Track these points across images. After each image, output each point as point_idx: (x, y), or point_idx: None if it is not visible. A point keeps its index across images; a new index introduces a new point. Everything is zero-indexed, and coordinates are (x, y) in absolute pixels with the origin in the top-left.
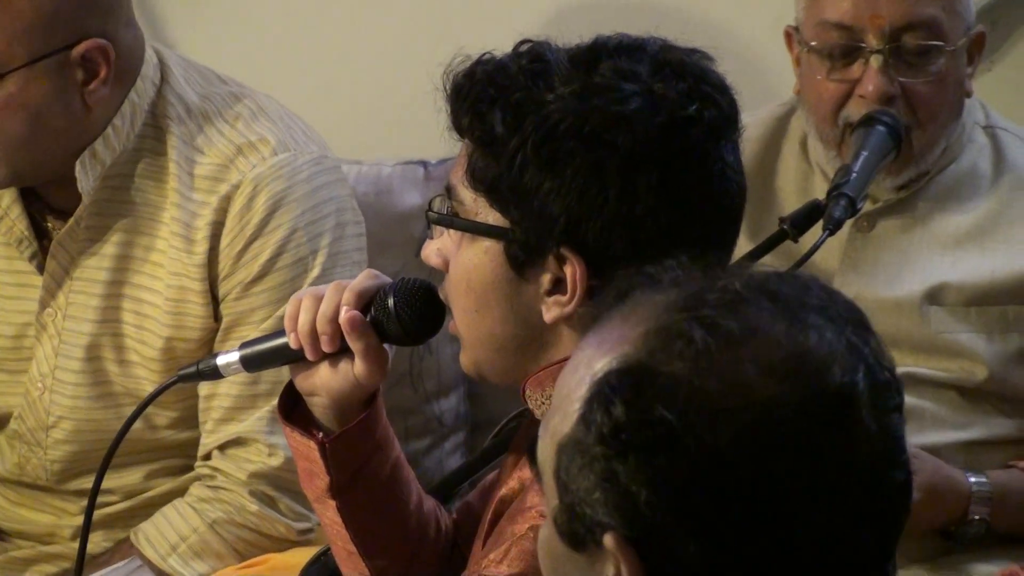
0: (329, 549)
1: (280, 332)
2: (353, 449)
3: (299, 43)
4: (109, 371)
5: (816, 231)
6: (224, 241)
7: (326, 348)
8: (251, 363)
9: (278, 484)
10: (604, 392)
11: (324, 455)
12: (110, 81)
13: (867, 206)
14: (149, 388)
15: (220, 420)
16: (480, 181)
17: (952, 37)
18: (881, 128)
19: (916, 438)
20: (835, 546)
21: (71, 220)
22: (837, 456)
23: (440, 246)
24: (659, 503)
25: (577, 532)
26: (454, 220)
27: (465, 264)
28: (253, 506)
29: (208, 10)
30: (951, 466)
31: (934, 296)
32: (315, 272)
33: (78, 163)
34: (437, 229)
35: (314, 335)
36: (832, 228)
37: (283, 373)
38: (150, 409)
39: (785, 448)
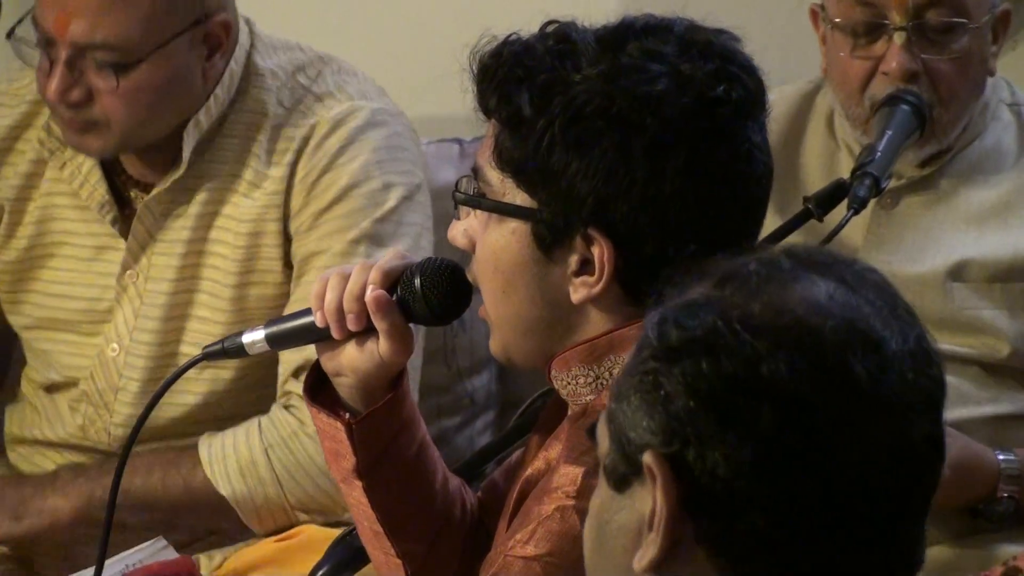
0: (355, 529)
1: (307, 311)
2: (379, 430)
3: (336, 19)
4: (183, 330)
5: (841, 209)
6: (299, 175)
7: (352, 327)
8: (276, 341)
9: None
10: (660, 319)
11: (350, 436)
12: (232, 46)
13: (891, 183)
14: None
15: (284, 381)
16: (507, 162)
17: (976, 14)
18: (905, 107)
19: (945, 413)
20: (867, 474)
21: (164, 184)
22: (870, 389)
23: (467, 227)
24: (698, 409)
25: (621, 470)
26: (481, 201)
27: (492, 245)
28: (301, 453)
29: None
30: (979, 444)
31: (957, 272)
32: (389, 205)
33: (185, 133)
34: (464, 210)
35: (340, 313)
36: (857, 207)
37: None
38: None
39: (821, 369)
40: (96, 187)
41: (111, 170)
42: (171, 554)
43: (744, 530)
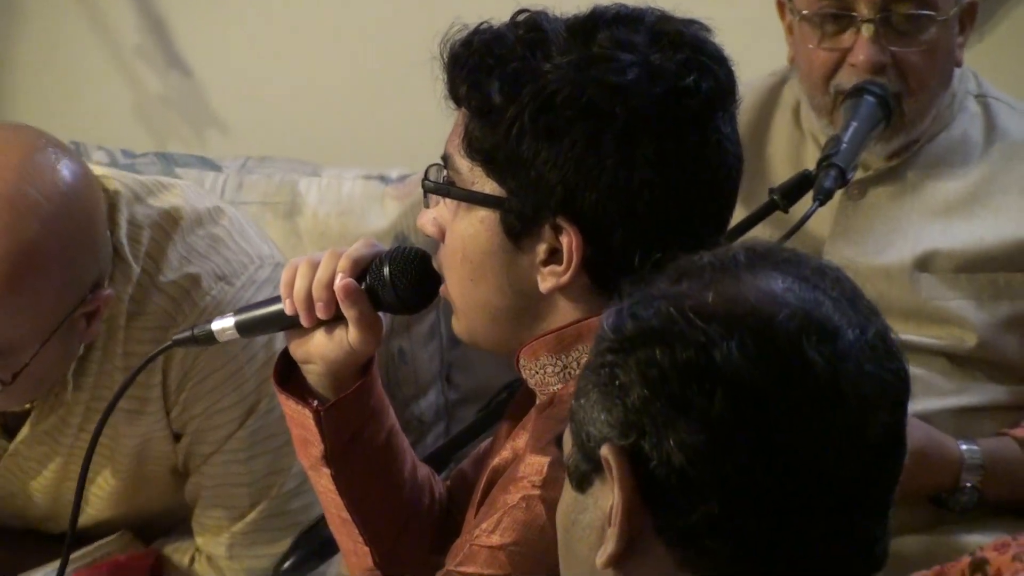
0: (323, 518)
1: (275, 298)
2: (348, 417)
3: (267, 29)
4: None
5: (807, 200)
6: (171, 400)
7: (321, 315)
8: (246, 328)
9: None
10: (616, 312)
11: (319, 423)
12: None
13: (858, 174)
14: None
15: (198, 528)
16: (477, 150)
17: (943, 7)
18: (871, 98)
19: (911, 405)
20: (822, 463)
21: (31, 425)
22: (826, 377)
23: (436, 215)
24: (652, 398)
25: (582, 468)
26: (450, 189)
27: (461, 233)
28: None
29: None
30: (943, 433)
31: (924, 263)
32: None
33: (72, 373)
34: (433, 198)
35: (309, 301)
36: (822, 199)
37: (240, 507)
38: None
39: (775, 355)
40: None
41: None
42: (138, 547)
43: (700, 520)
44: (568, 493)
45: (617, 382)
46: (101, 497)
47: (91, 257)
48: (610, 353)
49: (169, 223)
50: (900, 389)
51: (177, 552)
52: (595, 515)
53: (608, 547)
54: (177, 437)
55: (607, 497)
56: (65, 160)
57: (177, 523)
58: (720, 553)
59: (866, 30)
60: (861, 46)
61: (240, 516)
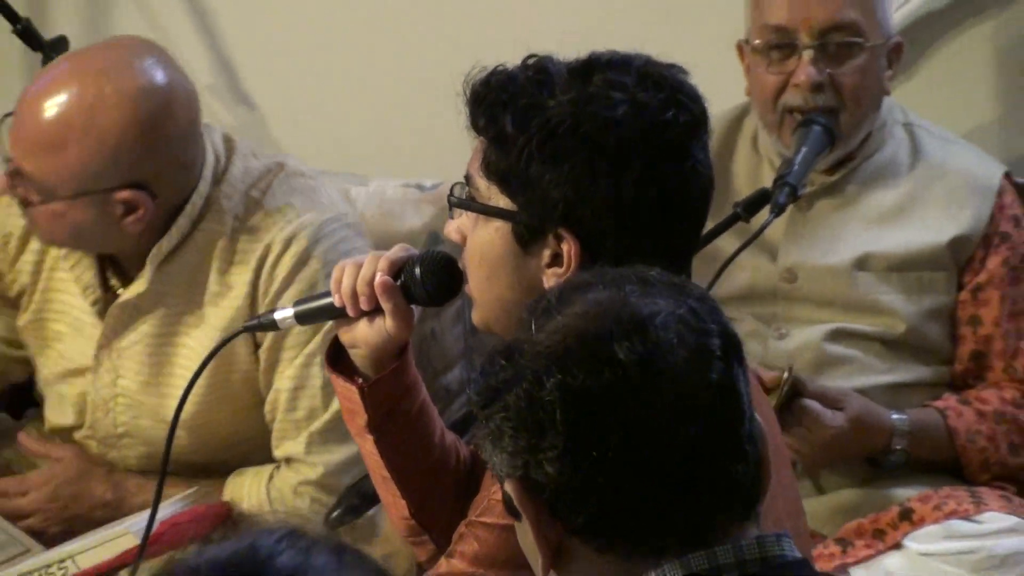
0: (366, 476)
1: (326, 293)
2: (386, 392)
3: (320, 68)
4: (161, 398)
5: (765, 212)
6: (261, 289)
7: (363, 307)
8: (303, 318)
9: (323, 489)
10: (474, 381)
11: (363, 397)
12: (147, 217)
13: (806, 190)
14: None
15: (279, 435)
16: (493, 172)
17: (871, 37)
18: (818, 128)
19: (848, 381)
20: (663, 430)
21: (129, 294)
22: (640, 364)
23: (459, 225)
24: (517, 436)
25: (507, 501)
26: (471, 204)
27: (479, 240)
28: (295, 503)
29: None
30: (878, 405)
31: (861, 263)
32: None
33: (149, 258)
34: (457, 211)
35: (354, 295)
36: (777, 211)
37: (315, 407)
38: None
39: (592, 362)
40: (85, 271)
41: (102, 264)
42: (212, 499)
43: (592, 512)
44: (515, 524)
45: (493, 428)
46: (182, 419)
47: (146, 156)
48: (480, 410)
49: (276, 168)
50: (725, 346)
51: (256, 478)
52: (530, 537)
53: (539, 559)
54: (257, 347)
55: (526, 528)
56: (168, 72)
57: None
58: (621, 532)
59: (806, 55)
60: (802, 68)
61: (316, 416)
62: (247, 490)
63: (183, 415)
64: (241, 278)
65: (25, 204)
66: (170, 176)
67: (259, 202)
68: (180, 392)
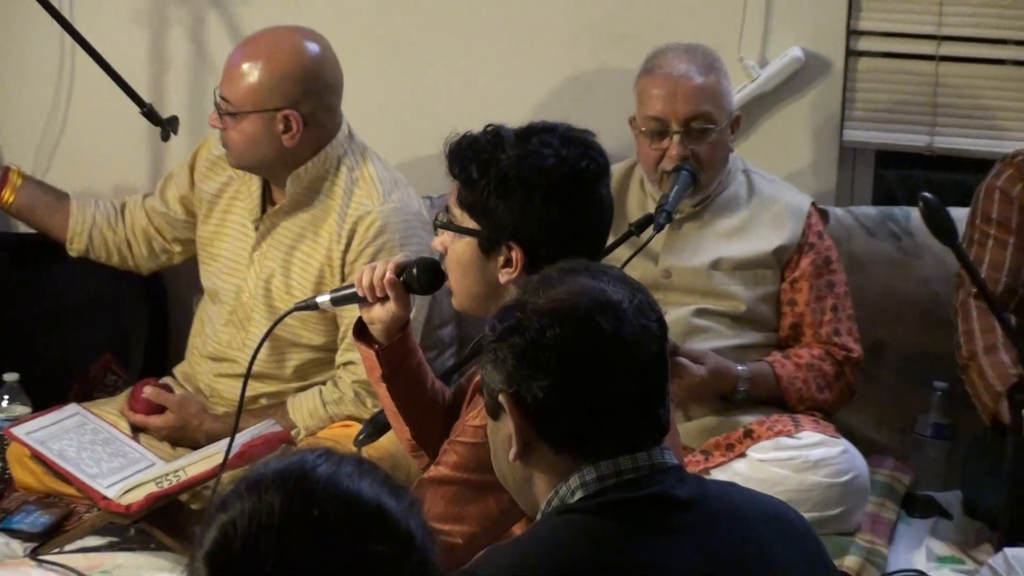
0: (381, 411)
1: (351, 285)
2: (393, 354)
3: (391, 106)
4: (275, 294)
5: (650, 230)
6: (355, 243)
7: (378, 295)
8: (336, 302)
9: (366, 387)
10: (490, 321)
11: (378, 358)
12: (298, 135)
13: (678, 216)
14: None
15: (344, 349)
16: (464, 204)
17: (720, 121)
18: (686, 173)
19: (707, 344)
20: (618, 380)
21: (278, 206)
22: (612, 334)
23: (442, 240)
24: (519, 364)
25: (492, 407)
26: (450, 225)
27: (456, 251)
28: (349, 395)
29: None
30: (728, 360)
31: (715, 265)
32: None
33: (289, 177)
34: (441, 231)
35: (371, 288)
36: (658, 229)
37: None
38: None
39: (580, 327)
40: (254, 191)
41: (265, 192)
42: (277, 428)
43: (560, 426)
44: (489, 422)
45: (500, 356)
46: (277, 333)
47: (309, 92)
48: (492, 342)
49: (379, 159)
50: (660, 332)
51: (310, 395)
52: (504, 432)
53: (513, 449)
54: (343, 278)
55: (508, 422)
56: (322, 49)
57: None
58: (576, 442)
59: (676, 138)
60: (673, 147)
61: None
62: (305, 404)
63: (280, 331)
64: (343, 230)
65: (223, 126)
66: (317, 111)
67: (355, 181)
68: (296, 287)
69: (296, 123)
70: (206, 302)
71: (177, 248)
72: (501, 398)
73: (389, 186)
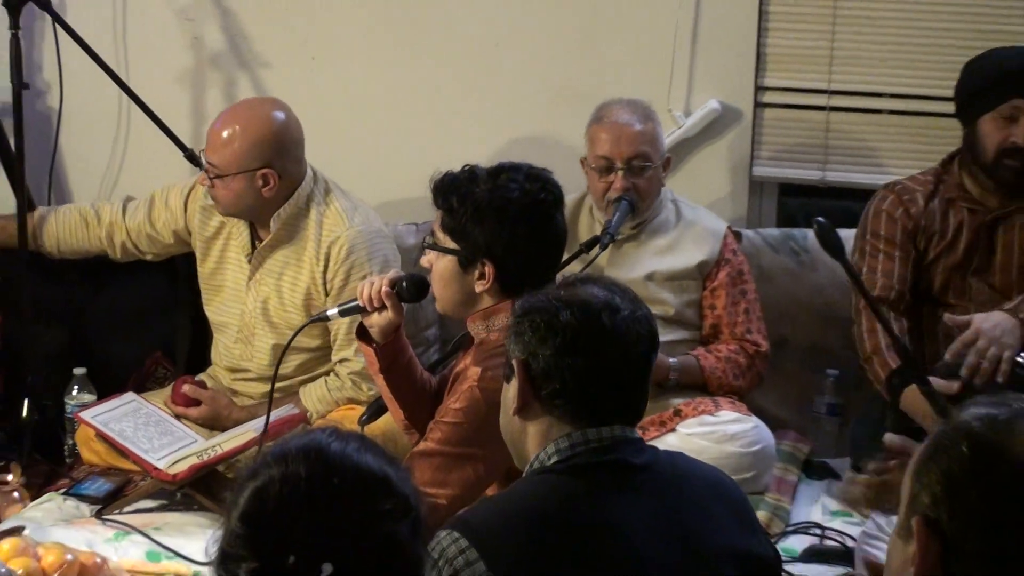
0: (380, 397)
1: (355, 299)
2: (389, 351)
3: (370, 141)
4: (273, 313)
5: (596, 249)
6: (331, 266)
7: (376, 305)
8: (343, 313)
9: (361, 376)
10: (516, 304)
11: (376, 354)
12: (275, 187)
13: (619, 237)
14: (295, 324)
15: (338, 349)
16: (445, 228)
17: (655, 160)
18: (626, 202)
19: None
20: (610, 365)
21: (264, 242)
22: (611, 328)
23: (429, 258)
24: (533, 336)
25: (506, 372)
26: (435, 246)
27: (439, 267)
28: (348, 384)
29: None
30: (661, 354)
31: (650, 277)
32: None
33: (271, 219)
34: (427, 251)
35: (371, 300)
36: (603, 248)
37: (354, 329)
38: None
39: (587, 317)
40: (243, 234)
41: (253, 232)
42: (295, 411)
43: (555, 388)
44: (504, 385)
45: (519, 330)
46: (278, 346)
47: (280, 152)
48: (517, 318)
49: (339, 190)
50: (650, 338)
51: (318, 384)
52: (512, 393)
53: (515, 404)
54: (327, 292)
55: (515, 384)
56: (285, 115)
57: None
58: (565, 406)
59: (620, 173)
60: (618, 180)
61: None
62: (314, 392)
63: (284, 338)
64: (319, 255)
65: (211, 186)
66: (287, 165)
67: (324, 211)
68: (289, 305)
69: (272, 178)
70: (217, 330)
71: (150, 256)
72: (514, 362)
73: (351, 212)
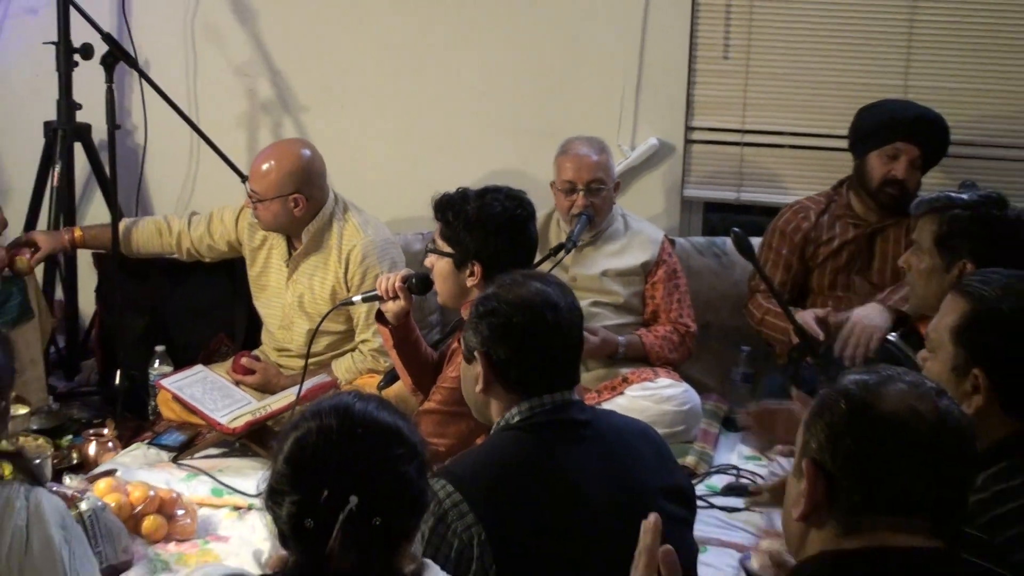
0: (393, 368)
1: (375, 290)
2: (401, 331)
3: (376, 162)
4: (307, 305)
5: (562, 253)
6: (351, 270)
7: (391, 295)
8: (366, 299)
9: (379, 351)
10: (473, 305)
11: (391, 333)
12: (304, 208)
13: (580, 243)
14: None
15: (360, 331)
16: (443, 237)
17: (609, 184)
18: (584, 217)
19: (599, 323)
20: (548, 347)
21: (298, 251)
22: (552, 321)
23: (431, 260)
24: (490, 335)
25: (467, 356)
26: (435, 250)
27: (438, 267)
28: (369, 358)
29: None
30: (612, 333)
31: (604, 273)
32: (386, 270)
33: (303, 233)
34: (430, 254)
35: (387, 290)
36: (567, 252)
37: (372, 316)
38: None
39: (531, 316)
40: (282, 244)
41: (289, 243)
42: (327, 379)
43: (511, 375)
44: (464, 365)
45: (475, 326)
46: (311, 330)
47: (306, 181)
48: (477, 318)
49: (355, 208)
50: (579, 319)
51: (347, 357)
52: (474, 372)
53: (480, 385)
54: (348, 289)
55: (477, 367)
56: (311, 152)
57: (334, 350)
58: (521, 384)
59: (581, 194)
60: (579, 199)
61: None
62: (342, 364)
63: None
64: (339, 261)
65: (255, 208)
66: (313, 191)
67: (344, 223)
68: (319, 299)
69: (302, 201)
70: (264, 318)
71: (208, 259)
72: (476, 353)
73: (364, 225)
